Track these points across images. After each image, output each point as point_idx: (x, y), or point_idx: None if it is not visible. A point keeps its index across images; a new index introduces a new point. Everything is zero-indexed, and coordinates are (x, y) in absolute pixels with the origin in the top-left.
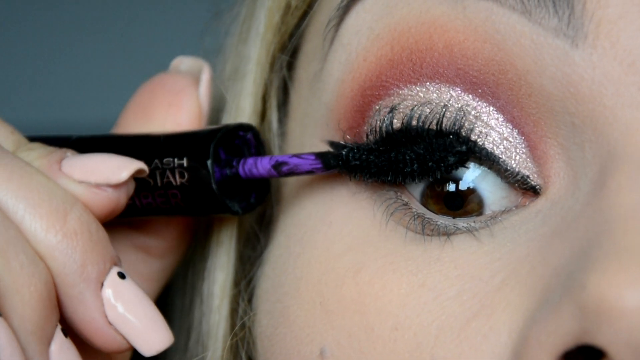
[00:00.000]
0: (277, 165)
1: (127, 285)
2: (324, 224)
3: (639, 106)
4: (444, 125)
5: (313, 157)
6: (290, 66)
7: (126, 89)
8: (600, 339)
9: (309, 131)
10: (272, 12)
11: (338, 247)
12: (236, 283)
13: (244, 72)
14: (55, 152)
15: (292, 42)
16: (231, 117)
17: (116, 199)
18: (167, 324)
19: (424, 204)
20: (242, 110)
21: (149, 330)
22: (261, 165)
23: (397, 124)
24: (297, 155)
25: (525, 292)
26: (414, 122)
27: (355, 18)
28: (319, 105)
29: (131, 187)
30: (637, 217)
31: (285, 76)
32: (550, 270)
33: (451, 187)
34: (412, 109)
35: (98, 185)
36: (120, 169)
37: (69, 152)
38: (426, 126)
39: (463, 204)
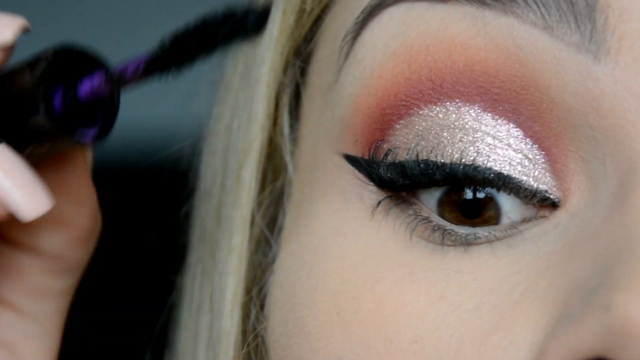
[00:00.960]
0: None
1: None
2: (339, 234)
3: None
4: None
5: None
6: (303, 71)
7: None
8: (624, 359)
9: (322, 141)
10: (286, 15)
11: (354, 258)
12: (248, 289)
13: (257, 76)
14: None
15: (306, 46)
16: (243, 121)
17: None
18: (45, 189)
19: (441, 212)
20: (255, 114)
21: (27, 195)
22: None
23: (415, 160)
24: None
25: (545, 306)
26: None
27: (371, 34)
28: (333, 117)
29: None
30: None
31: (299, 81)
32: (570, 284)
33: (468, 194)
34: (430, 151)
35: None
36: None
37: None
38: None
39: (481, 213)
